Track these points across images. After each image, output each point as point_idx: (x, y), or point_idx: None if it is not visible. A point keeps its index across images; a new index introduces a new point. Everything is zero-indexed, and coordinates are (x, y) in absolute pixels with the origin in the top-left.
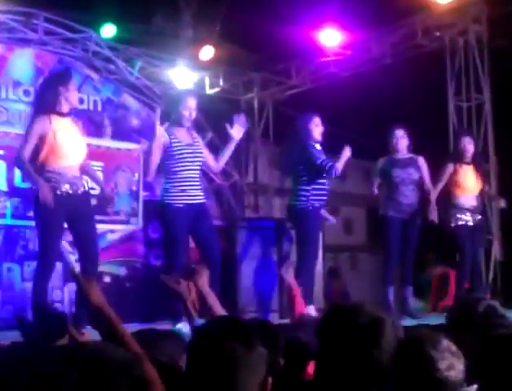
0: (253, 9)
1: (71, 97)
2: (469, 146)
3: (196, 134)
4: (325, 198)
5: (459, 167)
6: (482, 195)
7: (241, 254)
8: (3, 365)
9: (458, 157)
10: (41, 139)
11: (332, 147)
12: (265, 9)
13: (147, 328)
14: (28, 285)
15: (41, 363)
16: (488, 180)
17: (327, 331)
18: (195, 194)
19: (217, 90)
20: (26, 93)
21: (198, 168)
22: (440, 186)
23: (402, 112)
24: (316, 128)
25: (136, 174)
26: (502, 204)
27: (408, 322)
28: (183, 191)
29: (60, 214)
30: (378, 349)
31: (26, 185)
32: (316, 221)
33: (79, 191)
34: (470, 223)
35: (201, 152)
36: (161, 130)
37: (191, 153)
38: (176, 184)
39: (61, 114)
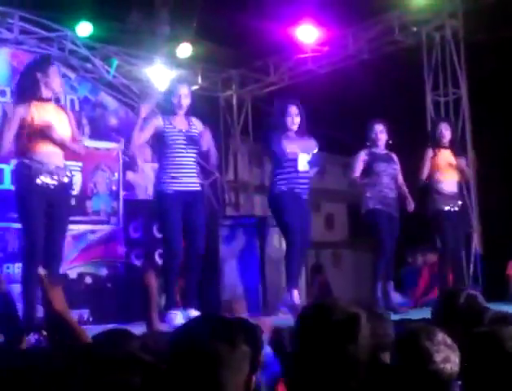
0: (230, 5)
1: (51, 83)
2: (445, 131)
3: (196, 123)
4: (296, 181)
5: (437, 152)
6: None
7: (223, 252)
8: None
9: (436, 142)
10: (21, 126)
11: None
12: (242, 5)
13: (120, 328)
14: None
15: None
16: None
17: (303, 329)
18: (188, 181)
19: (195, 87)
20: (2, 93)
21: (193, 155)
22: (425, 171)
23: (380, 107)
24: (289, 118)
25: (116, 174)
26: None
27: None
28: (175, 177)
29: (39, 205)
30: (354, 344)
31: (5, 187)
32: (286, 204)
33: (58, 183)
34: (453, 209)
35: (197, 140)
36: (145, 109)
37: (184, 140)
38: (168, 170)
39: (42, 99)
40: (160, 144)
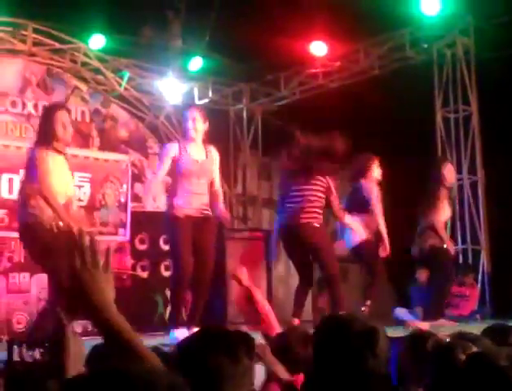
0: (242, 20)
1: (66, 135)
2: (449, 175)
3: (211, 150)
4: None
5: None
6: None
7: (230, 266)
8: None
9: (443, 181)
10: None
11: None
12: (254, 20)
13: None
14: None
15: None
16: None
17: (322, 341)
18: (199, 207)
19: (206, 100)
20: (13, 104)
21: (205, 183)
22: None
23: (390, 123)
24: None
25: (124, 185)
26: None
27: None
28: (186, 203)
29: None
30: (373, 357)
31: (12, 197)
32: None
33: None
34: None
35: (211, 170)
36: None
37: (198, 170)
38: (180, 197)
39: (57, 151)
40: (174, 170)
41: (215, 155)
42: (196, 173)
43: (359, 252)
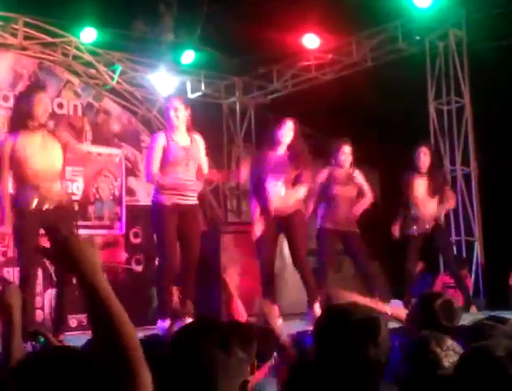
0: (234, 13)
1: (35, 113)
2: (424, 158)
3: (196, 137)
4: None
5: (415, 177)
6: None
7: (224, 259)
8: None
9: (414, 168)
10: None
11: (314, 151)
12: (246, 13)
13: None
14: None
15: None
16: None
17: (323, 331)
18: (185, 194)
19: (198, 94)
20: (5, 98)
21: (192, 169)
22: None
23: (383, 115)
24: (289, 132)
25: (118, 179)
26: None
27: None
28: (173, 190)
29: (33, 231)
30: (375, 346)
31: None
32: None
33: (51, 207)
34: (425, 231)
35: (195, 155)
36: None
37: (185, 155)
38: (166, 184)
39: (30, 129)
40: (162, 158)
41: (200, 142)
42: (183, 160)
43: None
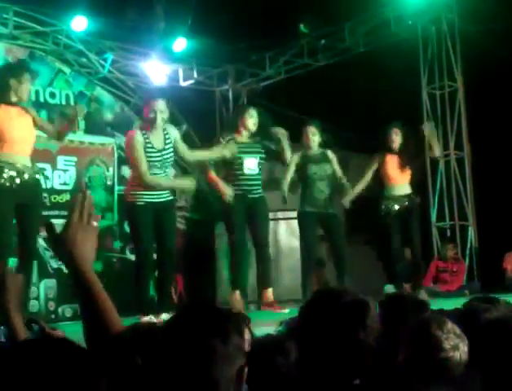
0: (226, 0)
1: (21, 90)
2: (396, 137)
3: (169, 133)
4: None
5: (386, 157)
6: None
7: (220, 247)
8: None
9: (385, 148)
10: None
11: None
12: (238, 0)
13: None
14: None
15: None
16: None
17: (312, 314)
18: (160, 192)
19: (191, 82)
20: None
21: (167, 171)
22: (367, 178)
23: (375, 100)
24: (250, 119)
25: (110, 168)
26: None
27: None
28: (147, 190)
29: (6, 205)
30: (364, 329)
31: None
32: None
33: (25, 180)
34: (398, 211)
35: (171, 157)
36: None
37: (159, 161)
38: (141, 185)
39: (8, 103)
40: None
41: (173, 133)
42: (158, 164)
43: None
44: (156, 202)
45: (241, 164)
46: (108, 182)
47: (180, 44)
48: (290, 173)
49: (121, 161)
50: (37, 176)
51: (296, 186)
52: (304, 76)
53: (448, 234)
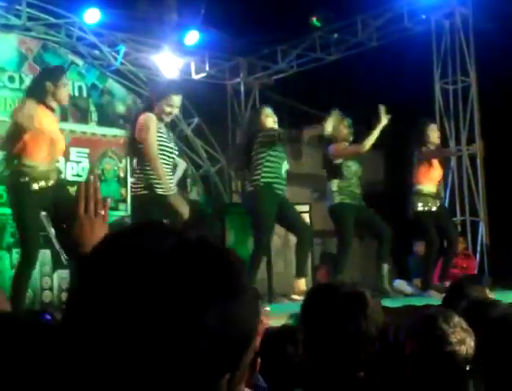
0: None
1: (58, 94)
2: (433, 133)
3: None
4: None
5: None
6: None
7: (230, 240)
8: None
9: (421, 144)
10: (24, 126)
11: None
12: None
13: None
14: None
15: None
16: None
17: (312, 304)
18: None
19: (203, 75)
20: (11, 79)
21: (172, 163)
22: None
23: (388, 95)
24: (267, 118)
25: (123, 160)
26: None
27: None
28: (158, 183)
29: (35, 209)
30: (365, 318)
31: None
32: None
33: (51, 184)
34: (433, 209)
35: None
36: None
37: (170, 151)
38: (152, 176)
39: (48, 107)
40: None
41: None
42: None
43: None
44: (161, 195)
45: (281, 164)
46: (121, 174)
47: (192, 37)
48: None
49: None
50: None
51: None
52: (316, 70)
53: (459, 229)
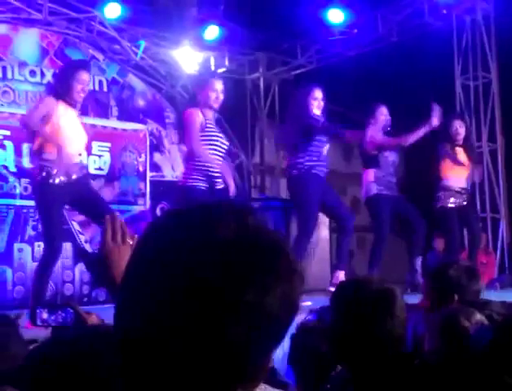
0: None
1: (73, 89)
2: (460, 129)
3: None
4: (323, 163)
5: (451, 148)
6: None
7: None
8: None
9: (450, 139)
10: (45, 118)
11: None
12: None
13: None
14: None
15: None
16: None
17: (339, 302)
18: (217, 176)
19: (222, 70)
20: (32, 73)
21: (224, 152)
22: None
23: (409, 91)
24: (314, 101)
25: (143, 155)
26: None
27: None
28: (208, 174)
29: (58, 204)
30: (391, 316)
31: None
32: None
33: (74, 178)
34: (460, 204)
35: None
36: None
37: (219, 138)
38: (202, 167)
39: (68, 103)
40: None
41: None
42: (217, 141)
43: None
44: (212, 188)
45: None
46: (140, 169)
47: (212, 32)
48: None
49: (154, 148)
50: (82, 173)
51: None
52: (336, 66)
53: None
